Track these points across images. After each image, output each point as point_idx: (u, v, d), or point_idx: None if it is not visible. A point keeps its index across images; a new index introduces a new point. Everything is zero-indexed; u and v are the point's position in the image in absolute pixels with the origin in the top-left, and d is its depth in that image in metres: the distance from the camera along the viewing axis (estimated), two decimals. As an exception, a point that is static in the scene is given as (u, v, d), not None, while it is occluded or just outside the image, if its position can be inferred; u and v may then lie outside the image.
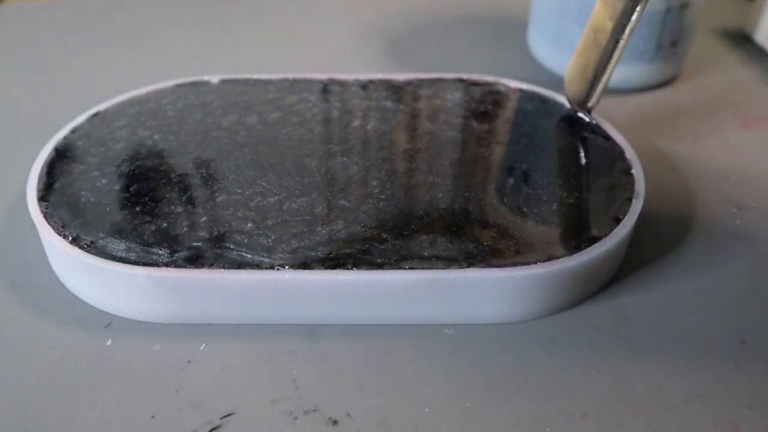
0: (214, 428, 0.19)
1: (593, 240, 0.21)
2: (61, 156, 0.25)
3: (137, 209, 0.22)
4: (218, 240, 0.21)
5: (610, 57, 0.25)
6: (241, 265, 0.20)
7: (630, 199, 0.23)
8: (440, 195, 0.23)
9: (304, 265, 0.20)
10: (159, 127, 0.26)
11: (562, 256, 0.21)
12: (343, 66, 0.35)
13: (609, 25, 0.24)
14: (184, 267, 0.20)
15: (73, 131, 0.26)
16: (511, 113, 0.28)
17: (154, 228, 0.22)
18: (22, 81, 0.34)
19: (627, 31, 0.24)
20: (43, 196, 0.23)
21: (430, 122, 0.27)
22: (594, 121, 0.27)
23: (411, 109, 0.28)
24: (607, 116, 0.28)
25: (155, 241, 0.21)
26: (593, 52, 0.25)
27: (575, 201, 0.23)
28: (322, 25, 0.40)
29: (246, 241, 0.21)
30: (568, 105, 0.28)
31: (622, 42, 0.24)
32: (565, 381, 0.20)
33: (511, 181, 0.24)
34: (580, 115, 0.27)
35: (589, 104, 0.26)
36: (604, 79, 0.25)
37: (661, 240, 0.24)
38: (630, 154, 0.25)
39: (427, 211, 0.22)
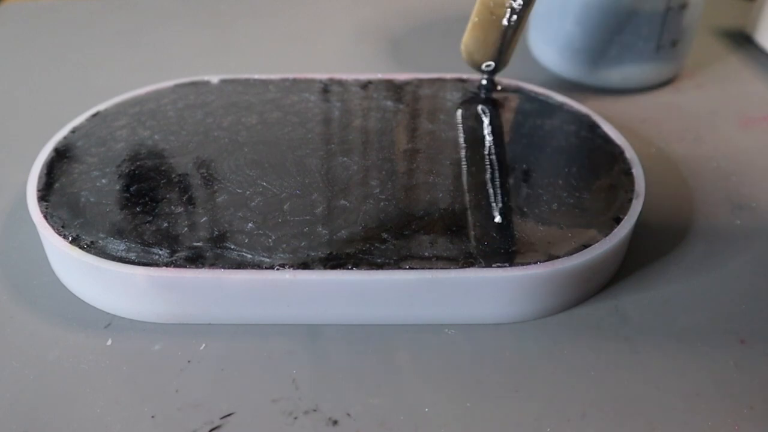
0: (214, 428, 0.19)
1: (593, 240, 0.21)
2: (61, 156, 0.25)
3: (137, 209, 0.22)
4: (219, 240, 0.21)
5: (512, 27, 0.26)
6: (241, 265, 0.20)
7: (630, 199, 0.23)
8: (440, 195, 0.23)
9: (305, 265, 0.20)
10: (159, 127, 0.26)
11: (562, 256, 0.21)
12: (343, 66, 0.35)
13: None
14: (184, 267, 0.20)
15: (73, 131, 0.26)
16: (511, 113, 0.28)
17: (154, 228, 0.22)
18: (22, 81, 0.34)
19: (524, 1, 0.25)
20: (43, 196, 0.23)
21: (430, 122, 0.27)
22: (498, 87, 0.28)
23: (411, 109, 0.28)
24: (607, 116, 0.28)
25: (155, 241, 0.21)
26: (491, 25, 0.26)
27: (575, 201, 0.23)
28: (322, 25, 0.40)
29: (246, 241, 0.21)
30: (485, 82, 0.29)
31: (522, 11, 0.25)
32: (565, 381, 0.20)
33: (511, 181, 0.24)
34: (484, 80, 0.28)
35: (490, 68, 0.28)
36: (509, 50, 0.27)
37: (661, 240, 0.24)
38: (630, 154, 0.25)
39: (427, 211, 0.22)
